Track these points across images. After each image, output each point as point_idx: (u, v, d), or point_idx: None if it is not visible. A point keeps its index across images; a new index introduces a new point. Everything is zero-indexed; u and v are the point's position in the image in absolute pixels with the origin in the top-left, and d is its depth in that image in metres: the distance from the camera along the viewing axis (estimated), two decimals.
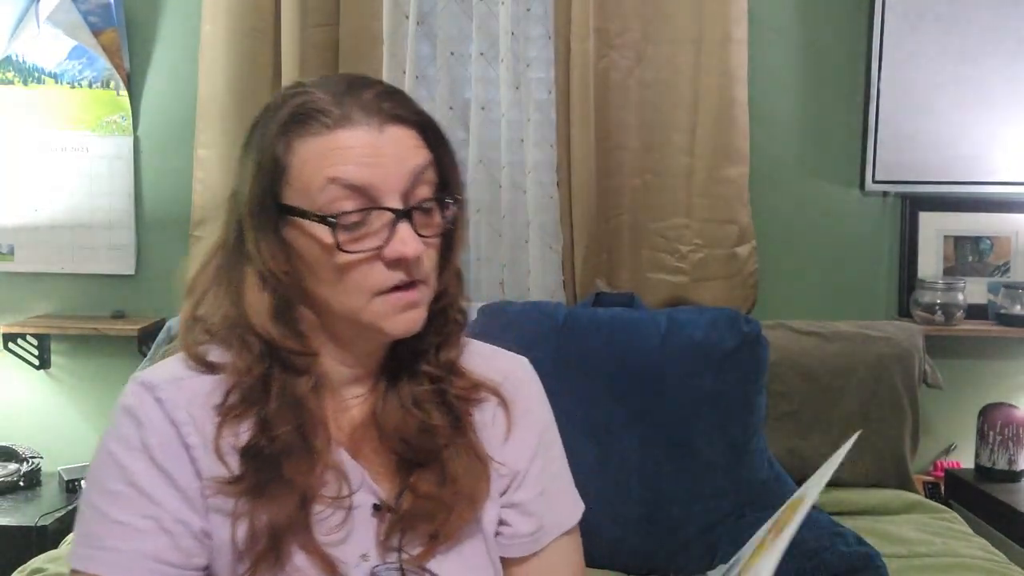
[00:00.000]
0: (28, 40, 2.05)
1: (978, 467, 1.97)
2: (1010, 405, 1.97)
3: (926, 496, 1.86)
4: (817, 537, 1.32)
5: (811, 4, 2.06)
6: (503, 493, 0.80)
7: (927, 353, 1.87)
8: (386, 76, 1.99)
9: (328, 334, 0.75)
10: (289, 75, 1.98)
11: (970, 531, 1.66)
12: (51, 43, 2.05)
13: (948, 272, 2.07)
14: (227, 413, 0.71)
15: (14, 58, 2.06)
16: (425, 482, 0.74)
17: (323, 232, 0.69)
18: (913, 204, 2.07)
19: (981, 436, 1.96)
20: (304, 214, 0.69)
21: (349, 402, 0.78)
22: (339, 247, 0.68)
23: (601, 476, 1.53)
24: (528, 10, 2.01)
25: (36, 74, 2.07)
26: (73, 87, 2.07)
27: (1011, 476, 1.92)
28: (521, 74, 2.01)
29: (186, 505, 0.70)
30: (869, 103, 2.04)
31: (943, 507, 1.78)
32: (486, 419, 0.80)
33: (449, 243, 0.78)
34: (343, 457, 0.74)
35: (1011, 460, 1.92)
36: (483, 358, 0.83)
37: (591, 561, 0.90)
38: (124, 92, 2.07)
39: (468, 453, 0.76)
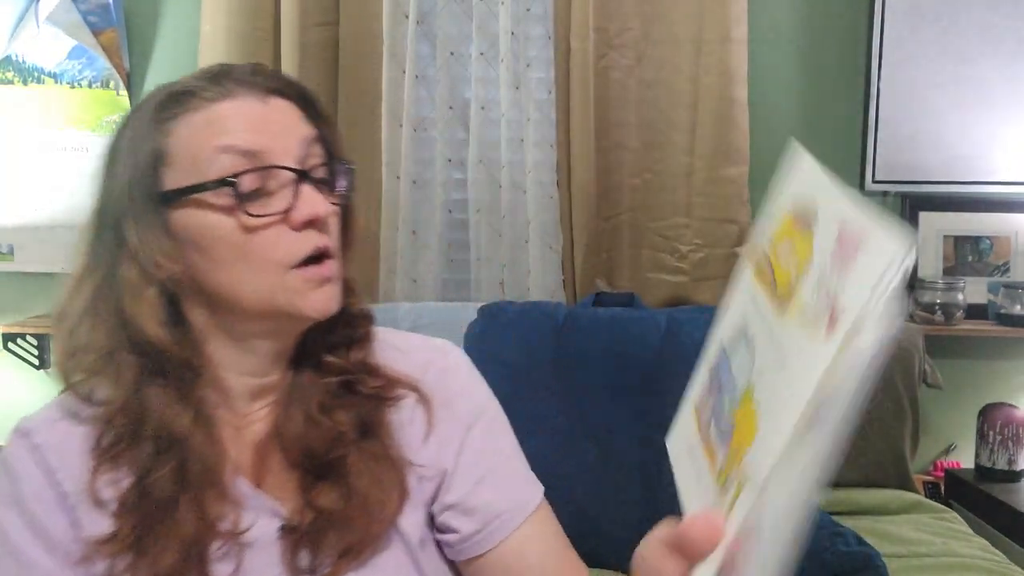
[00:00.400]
0: (28, 40, 2.05)
1: (978, 467, 1.96)
2: (1010, 405, 1.97)
3: (926, 496, 1.85)
4: (817, 537, 1.32)
5: (811, 4, 2.06)
6: (433, 497, 0.74)
7: (927, 353, 1.87)
8: (386, 76, 1.99)
9: (228, 337, 0.69)
10: (288, 74, 1.98)
11: (970, 531, 1.65)
12: (51, 43, 2.05)
13: (948, 272, 2.07)
14: (101, 457, 0.65)
15: (14, 58, 2.05)
16: (326, 496, 0.69)
17: (223, 200, 0.64)
18: (913, 204, 2.07)
19: (981, 436, 1.96)
20: (197, 188, 0.64)
21: (253, 416, 0.73)
22: (245, 212, 0.63)
23: (601, 476, 1.52)
24: (528, 10, 2.01)
25: (36, 74, 2.07)
26: (73, 87, 2.07)
27: (1011, 476, 1.92)
28: (521, 74, 2.01)
29: (60, 563, 0.65)
30: (869, 103, 2.04)
31: (943, 507, 1.78)
32: (404, 419, 0.74)
33: (345, 227, 0.72)
34: (241, 487, 0.69)
35: (1011, 460, 1.92)
36: (400, 352, 0.77)
37: (592, 561, 0.89)
38: (124, 92, 2.07)
39: (380, 460, 0.71)
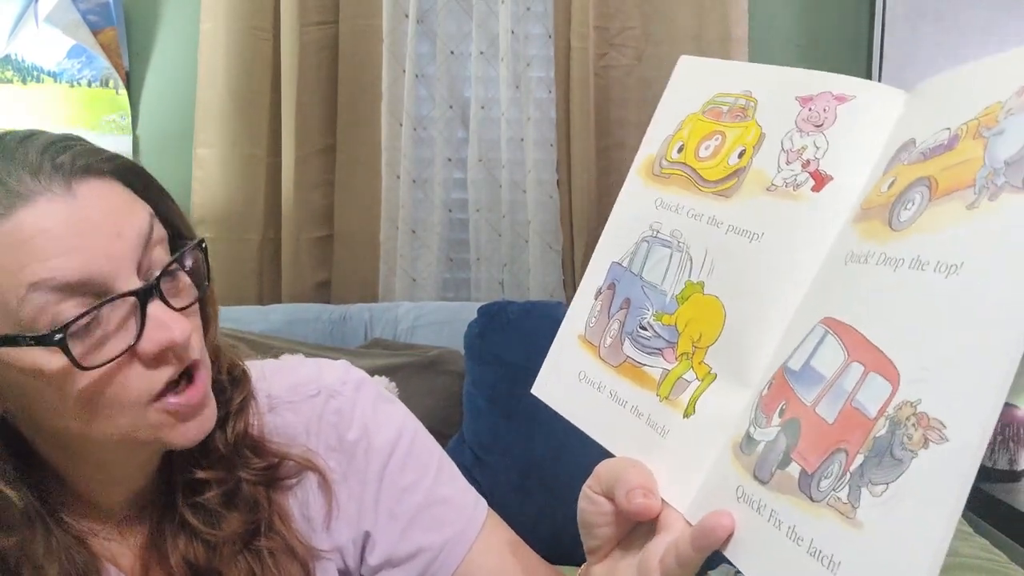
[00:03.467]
0: (27, 39, 2.05)
1: (979, 467, 1.96)
2: (1011, 405, 1.96)
3: None
4: None
5: (811, 3, 2.05)
6: (359, 562, 0.67)
7: None
8: (385, 74, 1.99)
9: (88, 461, 0.58)
10: (289, 73, 1.98)
11: (970, 531, 1.65)
12: (50, 42, 2.05)
13: None
14: None
15: (13, 57, 2.05)
16: None
17: (46, 358, 0.50)
18: None
19: None
20: (11, 341, 0.49)
21: (135, 528, 0.63)
22: (78, 366, 0.50)
23: None
24: (528, 9, 2.01)
25: (35, 73, 2.06)
26: (72, 86, 2.07)
27: (1012, 476, 1.92)
28: (521, 73, 2.01)
29: None
30: None
31: None
32: (308, 492, 0.65)
33: (203, 304, 0.60)
34: None
35: (1012, 460, 1.92)
36: (289, 405, 0.66)
37: None
38: (123, 91, 2.06)
39: (279, 556, 0.62)
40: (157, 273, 0.53)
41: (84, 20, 2.04)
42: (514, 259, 2.05)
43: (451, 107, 2.05)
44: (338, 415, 0.66)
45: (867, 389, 0.38)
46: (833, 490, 0.37)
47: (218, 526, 0.60)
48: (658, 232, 0.53)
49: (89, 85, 2.07)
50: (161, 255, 0.55)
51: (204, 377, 0.56)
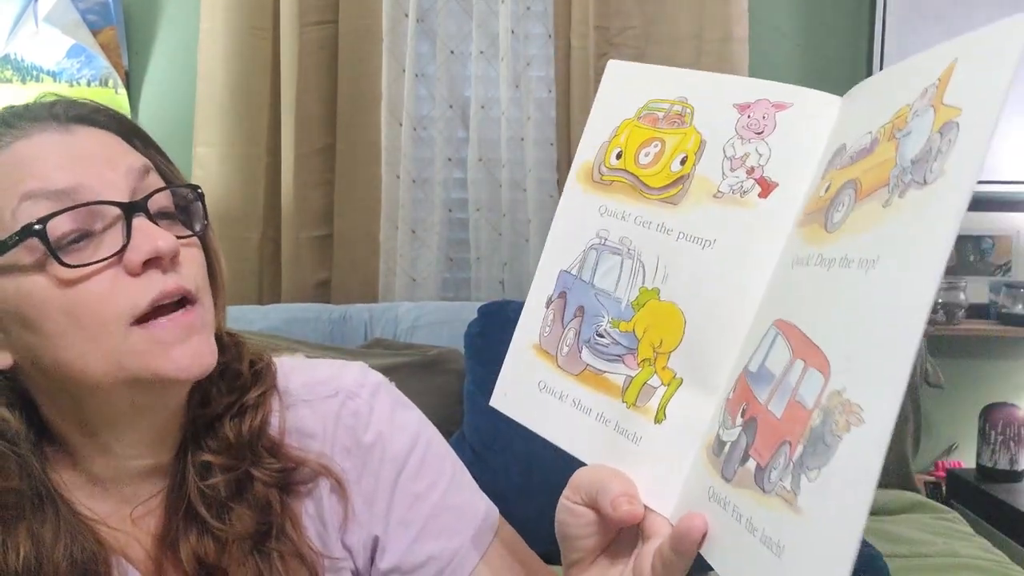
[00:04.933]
0: (26, 39, 2.04)
1: (979, 467, 1.96)
2: (1012, 405, 1.96)
3: (927, 496, 1.85)
4: None
5: (812, 3, 2.05)
6: (369, 567, 0.66)
7: (928, 352, 1.87)
8: (385, 74, 1.99)
9: (97, 418, 0.58)
10: (288, 72, 1.98)
11: (971, 531, 1.65)
12: (49, 42, 2.05)
13: (949, 271, 2.07)
14: None
15: (12, 57, 2.05)
16: None
17: (32, 255, 0.51)
18: None
19: (983, 436, 1.95)
20: (1, 248, 0.52)
21: (149, 503, 0.62)
22: (55, 258, 0.51)
23: None
24: (528, 8, 2.01)
25: (34, 73, 2.06)
26: (72, 86, 2.06)
27: (1013, 476, 1.92)
28: (521, 72, 2.01)
29: None
30: None
31: (944, 507, 1.77)
32: (322, 497, 0.64)
33: (210, 268, 0.60)
34: None
35: (1012, 460, 1.92)
36: (307, 404, 0.66)
37: None
38: (123, 91, 2.06)
39: (288, 559, 0.61)
40: (146, 195, 0.55)
41: (83, 20, 2.04)
42: (514, 259, 2.05)
43: (451, 107, 2.05)
44: (355, 417, 0.66)
45: (806, 383, 0.40)
46: (780, 480, 0.40)
47: (228, 521, 0.60)
48: (606, 239, 0.53)
49: (89, 85, 2.06)
50: (153, 190, 0.56)
51: (200, 312, 0.56)
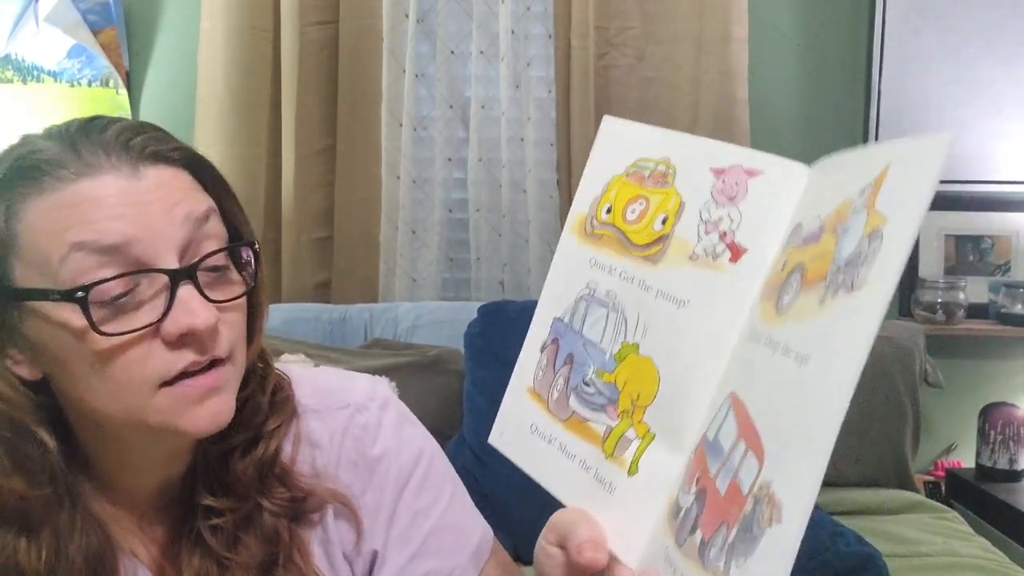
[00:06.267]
0: (27, 39, 2.05)
1: (979, 467, 1.96)
2: (1011, 405, 1.96)
3: (927, 496, 1.85)
4: (817, 537, 1.31)
5: (812, 3, 2.05)
6: None
7: (928, 352, 1.87)
8: (386, 74, 1.99)
9: (114, 442, 0.59)
10: (288, 73, 1.98)
11: (971, 531, 1.65)
12: (50, 42, 2.05)
13: (949, 271, 2.07)
14: None
15: (13, 57, 2.05)
16: None
17: (70, 314, 0.52)
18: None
19: (982, 436, 1.96)
20: (43, 295, 0.52)
21: (156, 527, 0.63)
22: (94, 328, 0.51)
23: None
24: (528, 8, 2.01)
25: (35, 73, 2.06)
26: (72, 86, 2.07)
27: (1012, 476, 1.92)
28: (521, 72, 2.01)
29: None
30: (870, 102, 2.03)
31: (944, 507, 1.78)
32: (329, 522, 0.65)
33: (249, 309, 0.61)
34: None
35: (1012, 460, 1.92)
36: (317, 415, 0.66)
37: None
38: (123, 91, 2.06)
39: None
40: (197, 259, 0.55)
41: (84, 20, 2.04)
42: (514, 259, 2.05)
43: (451, 107, 2.05)
44: (363, 430, 0.66)
45: (745, 467, 0.42)
46: (716, 560, 0.41)
47: (234, 550, 0.60)
48: (595, 291, 0.55)
49: (89, 85, 2.07)
50: (212, 245, 0.56)
51: (226, 373, 0.56)
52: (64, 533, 0.56)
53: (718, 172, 0.52)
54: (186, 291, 0.53)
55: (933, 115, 2.02)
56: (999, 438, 1.92)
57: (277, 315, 1.81)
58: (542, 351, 0.57)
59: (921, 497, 1.80)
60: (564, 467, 0.53)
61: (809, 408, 0.39)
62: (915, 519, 1.68)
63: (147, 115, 2.08)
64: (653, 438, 0.50)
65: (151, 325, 0.52)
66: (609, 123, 0.59)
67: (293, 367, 0.70)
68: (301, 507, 0.63)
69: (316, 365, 1.49)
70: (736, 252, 0.49)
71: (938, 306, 1.97)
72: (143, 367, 0.53)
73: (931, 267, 2.07)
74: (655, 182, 0.54)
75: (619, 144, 0.58)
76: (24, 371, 0.56)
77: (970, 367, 2.08)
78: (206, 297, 0.54)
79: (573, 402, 0.54)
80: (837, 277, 0.40)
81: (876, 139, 2.03)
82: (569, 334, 0.56)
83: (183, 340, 0.53)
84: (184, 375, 0.54)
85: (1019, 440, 1.91)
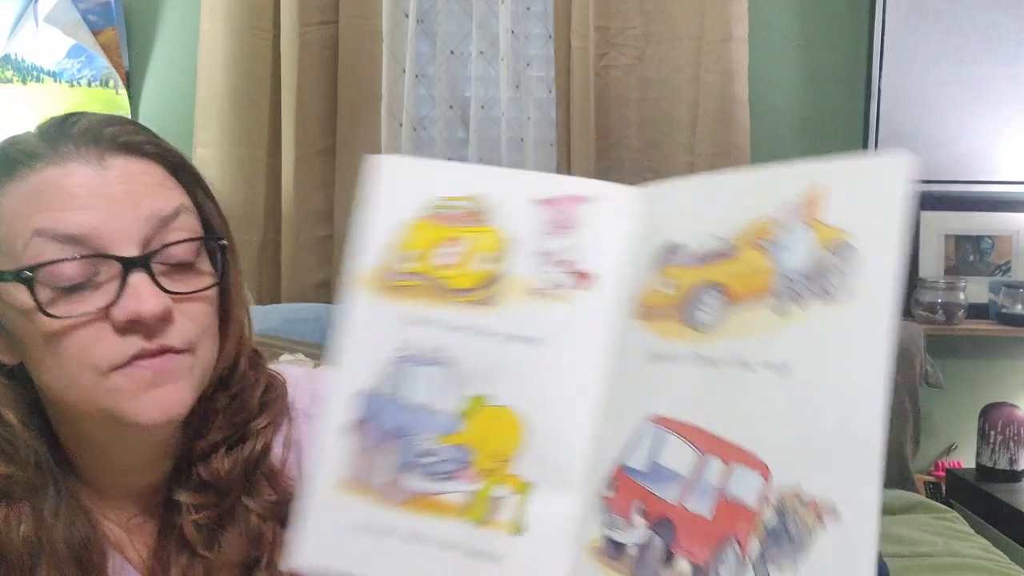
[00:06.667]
0: (27, 39, 2.04)
1: (979, 467, 1.96)
2: (1011, 405, 1.96)
3: (927, 496, 1.85)
4: None
5: (812, 2, 2.05)
6: None
7: (928, 352, 1.87)
8: (386, 74, 1.99)
9: (87, 436, 0.59)
10: (288, 73, 1.98)
11: (971, 531, 1.65)
12: (50, 42, 2.05)
13: (949, 271, 2.07)
14: None
15: (13, 57, 2.05)
16: None
17: (22, 294, 0.53)
18: (914, 203, 2.06)
19: (982, 436, 1.95)
20: (2, 276, 0.53)
21: (144, 514, 0.63)
22: (40, 309, 0.52)
23: None
24: (528, 8, 2.01)
25: (35, 73, 2.06)
26: (72, 86, 2.06)
27: (1012, 476, 1.92)
28: (521, 73, 2.01)
29: None
30: (870, 102, 2.03)
31: (944, 507, 1.77)
32: None
33: (224, 306, 0.60)
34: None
35: (1012, 460, 1.92)
36: (306, 418, 0.66)
37: None
38: (123, 91, 2.06)
39: None
40: (154, 249, 0.55)
41: (84, 20, 2.04)
42: None
43: (451, 107, 2.05)
44: None
45: (738, 482, 0.41)
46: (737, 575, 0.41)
47: (218, 548, 0.61)
48: (415, 350, 0.50)
49: (89, 85, 2.07)
50: (175, 237, 0.56)
51: (179, 362, 0.55)
52: (47, 518, 0.56)
53: (544, 203, 0.50)
54: (137, 278, 0.53)
55: (933, 115, 2.02)
56: (999, 438, 1.92)
57: (277, 315, 1.81)
58: (347, 435, 0.50)
59: (921, 497, 1.80)
60: (419, 557, 0.47)
61: (815, 411, 0.39)
62: (915, 519, 1.68)
63: (147, 115, 2.08)
64: (532, 488, 0.47)
65: (100, 310, 0.53)
66: (389, 163, 0.54)
67: (295, 369, 0.70)
68: (288, 510, 0.62)
69: (316, 365, 1.49)
70: (583, 279, 0.48)
71: (938, 306, 1.97)
72: (93, 352, 0.53)
73: (931, 267, 2.07)
74: (468, 221, 0.51)
75: (408, 185, 0.53)
76: (4, 356, 0.57)
77: (970, 367, 2.08)
78: (160, 286, 0.54)
79: (412, 480, 0.48)
80: (798, 289, 0.41)
81: (876, 138, 2.03)
82: (386, 406, 0.49)
83: (131, 326, 0.53)
84: (138, 358, 0.54)
85: (1019, 440, 1.91)
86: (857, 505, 0.38)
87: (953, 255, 2.08)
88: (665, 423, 0.44)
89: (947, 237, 2.07)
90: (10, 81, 2.06)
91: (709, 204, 0.47)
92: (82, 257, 0.53)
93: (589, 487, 0.46)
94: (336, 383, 0.51)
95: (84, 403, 0.55)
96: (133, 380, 0.54)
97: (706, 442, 0.43)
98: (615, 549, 0.44)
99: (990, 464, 1.93)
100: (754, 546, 0.40)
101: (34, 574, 0.56)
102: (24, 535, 0.55)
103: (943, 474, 2.03)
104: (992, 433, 1.93)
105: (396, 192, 0.53)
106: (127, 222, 0.54)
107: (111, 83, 2.06)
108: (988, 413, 1.95)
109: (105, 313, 0.53)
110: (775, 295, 0.42)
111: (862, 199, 0.42)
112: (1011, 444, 1.91)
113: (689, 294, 0.45)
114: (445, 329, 0.49)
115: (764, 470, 0.40)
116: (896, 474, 1.80)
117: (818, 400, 0.40)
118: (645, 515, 0.44)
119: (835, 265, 0.41)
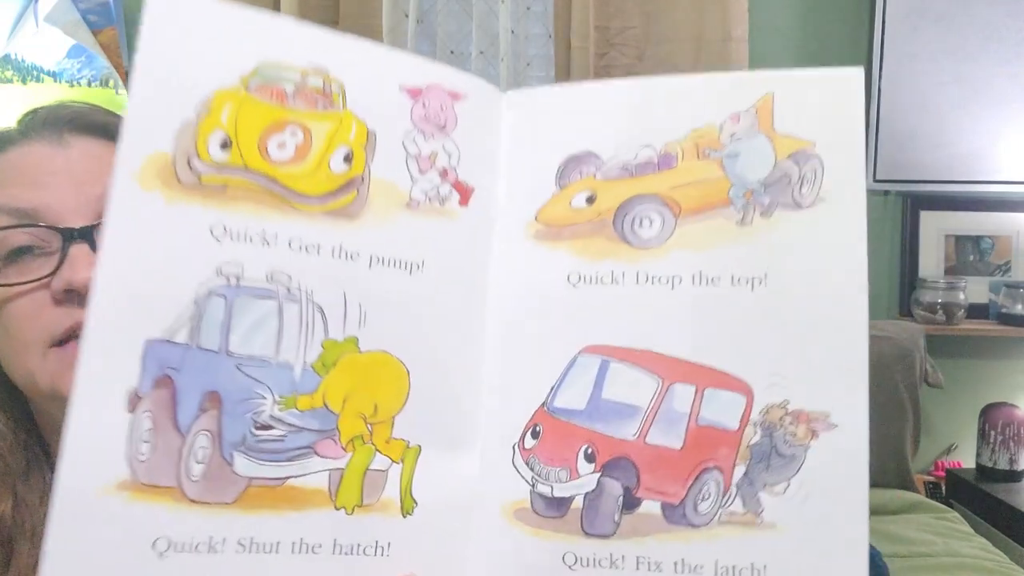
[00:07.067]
0: (27, 38, 2.04)
1: (979, 467, 1.96)
2: (1011, 405, 1.96)
3: (927, 496, 1.85)
4: None
5: (812, 2, 2.05)
6: None
7: (928, 352, 1.87)
8: None
9: (55, 420, 0.56)
10: None
11: (971, 531, 1.65)
12: (50, 42, 2.05)
13: (949, 271, 2.07)
14: None
15: (13, 57, 2.05)
16: None
17: None
18: (914, 203, 2.07)
19: (982, 436, 1.95)
20: None
21: None
22: None
23: None
24: (528, 8, 2.01)
25: (35, 73, 2.06)
26: (72, 86, 2.06)
27: (1012, 476, 1.91)
28: (521, 72, 2.01)
29: None
30: (870, 102, 2.03)
31: (944, 507, 1.77)
32: None
33: None
34: None
35: (1012, 460, 1.91)
36: None
37: None
38: (123, 91, 2.06)
39: None
40: (98, 221, 0.53)
41: (84, 20, 2.04)
42: None
43: None
44: None
45: (712, 406, 0.38)
46: (720, 508, 0.38)
47: None
48: (239, 277, 0.36)
49: (89, 85, 2.06)
50: None
51: None
52: (32, 503, 0.56)
53: (414, 92, 0.40)
54: (78, 249, 0.53)
55: (933, 115, 2.02)
56: (999, 438, 1.92)
57: None
58: (133, 408, 0.34)
59: (921, 497, 1.80)
60: (264, 569, 0.34)
61: (797, 320, 0.38)
62: (915, 519, 1.68)
63: None
64: (418, 452, 0.37)
65: (37, 280, 0.53)
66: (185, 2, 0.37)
67: None
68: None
69: None
70: (464, 193, 0.40)
71: (938, 306, 1.97)
72: (33, 324, 0.53)
73: (931, 267, 2.07)
74: (310, 101, 0.38)
75: (221, 31, 0.37)
76: None
77: (970, 367, 2.07)
78: None
79: (244, 466, 0.35)
80: (760, 199, 0.40)
81: (876, 138, 2.03)
82: (195, 359, 0.35)
83: (68, 297, 0.52)
84: (74, 340, 0.51)
85: (1019, 440, 1.91)
86: (850, 410, 0.37)
87: (953, 255, 2.08)
88: (606, 352, 0.38)
89: (947, 237, 2.07)
90: (10, 81, 2.06)
91: (633, 112, 0.41)
92: (24, 226, 0.53)
93: (497, 442, 0.39)
94: (97, 327, 0.35)
95: (31, 385, 0.55)
96: (67, 362, 0.51)
97: (667, 367, 0.38)
98: (551, 506, 0.38)
99: (990, 464, 1.93)
100: (738, 472, 0.38)
101: (12, 555, 0.56)
102: (4, 513, 0.55)
103: (943, 474, 2.03)
104: (992, 433, 1.93)
105: (199, 40, 0.37)
106: (81, 199, 0.54)
107: (111, 83, 2.06)
108: (988, 413, 1.95)
109: (47, 284, 0.53)
110: (733, 206, 0.40)
111: (818, 108, 0.41)
112: (1011, 444, 1.91)
113: (622, 209, 0.40)
114: (289, 248, 0.36)
115: (745, 390, 0.38)
116: (896, 474, 1.80)
117: (798, 310, 0.38)
118: (592, 458, 0.38)
119: (799, 174, 0.40)
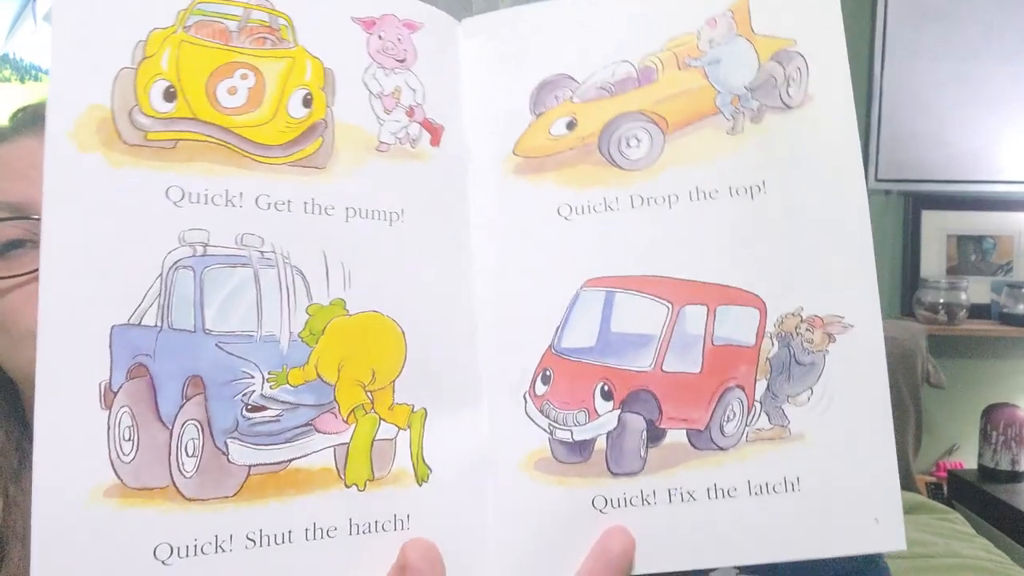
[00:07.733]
0: (25, 37, 2.04)
1: (981, 467, 1.96)
2: (1013, 405, 1.96)
3: (928, 496, 1.85)
4: None
5: None
6: None
7: (930, 353, 1.86)
8: None
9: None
10: None
11: (973, 531, 1.64)
12: (49, 41, 2.04)
13: (951, 271, 2.06)
14: None
15: (11, 56, 2.05)
16: None
17: None
18: (916, 203, 2.06)
19: (984, 436, 1.95)
20: None
21: None
22: None
23: None
24: None
25: (33, 72, 2.06)
26: None
27: (1014, 476, 1.91)
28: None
29: None
30: (872, 102, 2.03)
31: (946, 507, 1.77)
32: None
33: None
34: None
35: (1014, 460, 1.91)
36: None
37: None
38: None
39: None
40: None
41: None
42: None
43: None
44: None
45: (727, 323, 0.37)
46: (747, 427, 0.37)
47: None
48: (205, 244, 0.32)
49: None
50: None
51: None
52: (20, 504, 0.56)
53: (368, 24, 0.37)
54: None
55: (934, 115, 2.02)
56: (1001, 439, 1.91)
57: None
58: (106, 405, 0.31)
59: (923, 498, 1.79)
60: (275, 564, 0.32)
61: (812, 218, 0.38)
62: (917, 520, 1.68)
63: None
64: (425, 415, 0.35)
65: (30, 273, 0.53)
66: None
67: None
68: None
69: None
70: (435, 132, 0.37)
71: (940, 306, 1.97)
72: (26, 317, 0.52)
73: (933, 267, 2.06)
74: (257, 40, 0.34)
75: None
76: None
77: (972, 367, 2.07)
78: None
79: (240, 454, 0.32)
80: (748, 104, 0.39)
81: (877, 138, 2.02)
82: (170, 342, 0.31)
83: None
84: None
85: (1021, 441, 1.91)
86: (863, 308, 0.37)
87: (955, 255, 2.07)
88: (609, 283, 0.37)
89: (949, 237, 2.07)
90: (8, 80, 2.05)
91: (605, 27, 0.40)
92: (15, 219, 0.54)
93: (507, 393, 0.37)
94: (56, 324, 0.31)
95: (25, 379, 0.54)
96: None
97: (675, 291, 0.36)
98: (572, 451, 0.36)
99: (992, 465, 1.93)
100: (759, 388, 0.37)
101: (3, 558, 0.55)
102: None
103: (944, 475, 2.03)
104: (994, 434, 1.92)
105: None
106: None
107: None
108: (990, 413, 1.95)
109: (36, 276, 0.53)
110: (722, 114, 0.39)
111: (794, 4, 0.41)
112: (1013, 445, 1.91)
113: (606, 130, 0.38)
114: (257, 207, 0.33)
115: (757, 303, 0.37)
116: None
117: (800, 213, 0.38)
118: (609, 395, 0.36)
119: (784, 74, 0.39)
